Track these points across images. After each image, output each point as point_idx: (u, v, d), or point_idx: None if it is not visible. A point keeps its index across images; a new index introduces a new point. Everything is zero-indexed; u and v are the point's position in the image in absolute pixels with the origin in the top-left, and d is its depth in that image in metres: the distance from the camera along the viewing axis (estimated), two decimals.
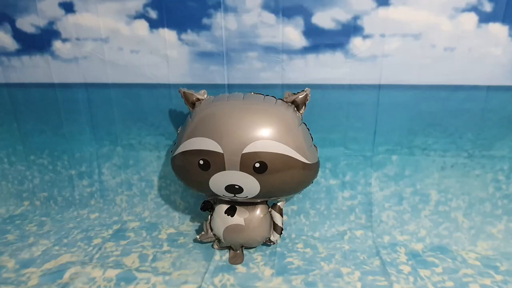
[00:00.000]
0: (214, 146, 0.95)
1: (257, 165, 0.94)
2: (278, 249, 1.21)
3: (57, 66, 1.30)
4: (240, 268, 1.11)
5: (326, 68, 1.15)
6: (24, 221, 1.42)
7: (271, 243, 1.19)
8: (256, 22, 1.13)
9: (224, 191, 1.02)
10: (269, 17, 1.12)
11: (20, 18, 1.26)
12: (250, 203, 1.11)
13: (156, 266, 1.12)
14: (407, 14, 1.07)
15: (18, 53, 1.31)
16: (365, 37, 1.11)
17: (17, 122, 1.44)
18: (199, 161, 0.98)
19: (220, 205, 1.13)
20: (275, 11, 1.11)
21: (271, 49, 1.16)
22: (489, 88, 1.11)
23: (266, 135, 0.93)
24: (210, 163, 0.97)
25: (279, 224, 1.16)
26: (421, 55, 1.11)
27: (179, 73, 1.24)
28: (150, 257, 1.17)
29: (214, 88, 1.18)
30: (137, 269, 1.10)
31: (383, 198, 1.29)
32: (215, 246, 1.20)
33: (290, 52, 1.15)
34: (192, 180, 1.08)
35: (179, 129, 1.08)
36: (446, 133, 1.19)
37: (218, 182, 1.00)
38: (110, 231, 1.33)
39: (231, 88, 1.22)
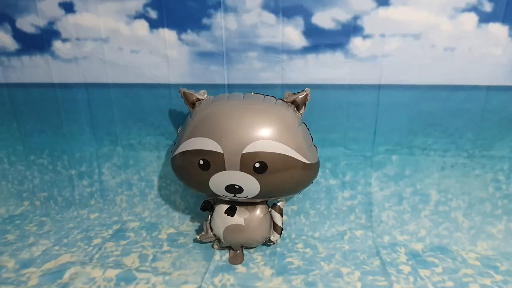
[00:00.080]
0: (214, 146, 0.95)
1: (257, 165, 0.94)
2: (278, 249, 1.21)
3: (57, 66, 1.30)
4: (240, 268, 1.11)
5: (326, 68, 1.15)
6: (24, 221, 1.42)
7: (271, 243, 1.19)
8: (256, 22, 1.13)
9: (224, 191, 1.02)
10: (269, 17, 1.12)
11: (20, 18, 1.26)
12: (250, 203, 1.11)
13: (156, 266, 1.12)
14: (407, 14, 1.07)
15: (18, 53, 1.31)
16: (365, 37, 1.11)
17: (17, 122, 1.44)
18: (199, 161, 0.98)
19: (220, 205, 1.13)
20: (275, 11, 1.11)
21: (271, 49, 1.16)
22: (489, 88, 1.11)
23: (266, 135, 0.93)
24: (210, 163, 0.97)
25: (279, 224, 1.16)
26: (421, 55, 1.11)
27: (179, 73, 1.24)
28: (150, 257, 1.17)
29: (214, 88, 1.18)
30: (137, 269, 1.10)
31: (383, 198, 1.29)
32: (215, 246, 1.20)
33: (290, 52, 1.15)
34: (192, 180, 1.08)
35: (179, 129, 1.08)
36: (446, 133, 1.19)
37: (218, 182, 1.00)
38: (110, 231, 1.33)
39: (231, 88, 1.22)
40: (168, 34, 1.19)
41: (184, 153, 1.01)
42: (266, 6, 1.11)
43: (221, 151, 0.94)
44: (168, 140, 1.35)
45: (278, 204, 1.15)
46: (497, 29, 1.05)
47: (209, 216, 1.17)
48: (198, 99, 1.04)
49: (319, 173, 1.12)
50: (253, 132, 0.94)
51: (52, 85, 1.34)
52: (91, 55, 1.27)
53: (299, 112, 1.02)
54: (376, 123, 1.20)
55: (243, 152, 0.93)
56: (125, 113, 1.34)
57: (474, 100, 1.13)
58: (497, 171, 1.20)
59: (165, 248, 1.22)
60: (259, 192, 1.00)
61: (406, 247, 1.22)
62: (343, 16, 1.09)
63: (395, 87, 1.15)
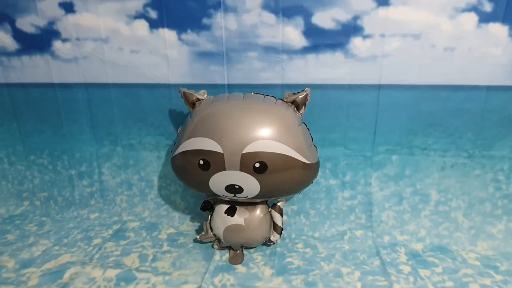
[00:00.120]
0: (214, 146, 0.95)
1: (257, 165, 0.94)
2: (278, 249, 1.21)
3: (57, 66, 1.30)
4: (240, 268, 1.11)
5: (326, 68, 1.15)
6: (24, 221, 1.41)
7: (271, 243, 1.19)
8: (256, 22, 1.13)
9: (224, 191, 1.02)
10: (269, 17, 1.12)
11: (20, 18, 1.26)
12: (250, 203, 1.11)
13: (156, 266, 1.12)
14: (407, 14, 1.07)
15: (18, 53, 1.31)
16: (365, 37, 1.11)
17: (17, 122, 1.44)
18: (199, 161, 0.98)
19: (220, 205, 1.13)
20: (275, 11, 1.11)
21: (271, 49, 1.16)
22: (489, 88, 1.11)
23: (266, 135, 0.93)
24: (210, 163, 0.97)
25: (279, 224, 1.16)
26: (421, 55, 1.11)
27: (179, 73, 1.24)
28: (150, 257, 1.17)
29: (214, 88, 1.18)
30: (137, 269, 1.10)
31: (383, 198, 1.29)
32: (215, 246, 1.20)
33: (290, 52, 1.15)
34: (192, 180, 1.08)
35: (179, 129, 1.08)
36: (446, 133, 1.19)
37: (218, 182, 1.00)
38: (110, 231, 1.33)
39: (231, 88, 1.22)
40: (168, 34, 1.19)
41: (184, 153, 1.01)
42: (266, 6, 1.11)
43: (221, 151, 0.94)
44: (168, 140, 1.35)
45: (278, 204, 1.15)
46: (497, 29, 1.05)
47: (209, 216, 1.17)
48: (198, 99, 1.04)
49: (319, 173, 1.12)
50: (253, 132, 0.93)
51: (52, 85, 1.34)
52: (91, 55, 1.27)
53: (299, 112, 1.02)
54: (376, 123, 1.20)
55: (243, 152, 0.93)
56: (125, 113, 1.34)
57: (474, 100, 1.13)
58: (497, 171, 1.20)
59: (165, 248, 1.22)
60: (259, 192, 1.00)
61: (406, 247, 1.22)
62: (343, 16, 1.09)
63: (395, 87, 1.15)
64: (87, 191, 1.48)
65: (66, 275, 1.06)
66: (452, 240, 1.24)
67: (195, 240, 1.25)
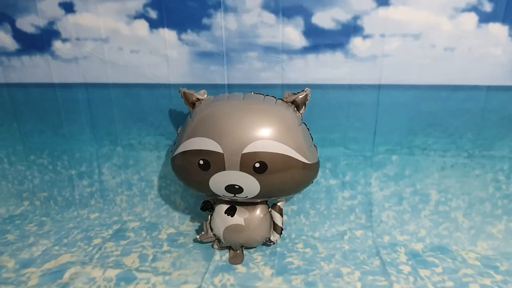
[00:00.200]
0: (214, 146, 0.95)
1: (257, 165, 0.94)
2: (278, 249, 1.21)
3: (57, 66, 1.30)
4: (240, 268, 1.11)
5: (326, 68, 1.15)
6: (24, 221, 1.41)
7: (271, 243, 1.19)
8: (256, 22, 1.13)
9: (224, 191, 1.02)
10: (269, 17, 1.12)
11: (20, 18, 1.26)
12: (250, 203, 1.11)
13: (156, 266, 1.12)
14: (407, 14, 1.07)
15: (18, 53, 1.31)
16: (365, 37, 1.11)
17: (17, 122, 1.44)
18: (199, 161, 0.98)
19: (220, 205, 1.13)
20: (275, 11, 1.11)
21: (271, 49, 1.16)
22: (489, 88, 1.11)
23: (266, 135, 0.93)
24: (210, 163, 0.97)
25: (279, 224, 1.16)
26: (421, 55, 1.10)
27: (179, 73, 1.24)
28: (150, 257, 1.17)
29: (214, 88, 1.18)
30: (137, 269, 1.10)
31: (383, 198, 1.29)
32: (215, 246, 1.20)
33: (290, 52, 1.15)
34: (192, 180, 1.08)
35: (179, 129, 1.08)
36: (446, 133, 1.19)
37: (218, 182, 1.00)
38: (110, 231, 1.33)
39: (231, 88, 1.22)
40: (168, 34, 1.19)
41: (184, 153, 1.01)
42: (266, 6, 1.11)
43: (221, 151, 0.94)
44: (168, 140, 1.35)
45: (278, 204, 1.15)
46: (497, 29, 1.05)
47: (209, 216, 1.17)
48: (198, 99, 1.04)
49: (319, 173, 1.12)
50: (253, 132, 0.93)
51: (52, 85, 1.34)
52: (91, 55, 1.27)
53: (299, 112, 1.02)
54: (376, 123, 1.20)
55: (243, 152, 0.93)
56: (125, 113, 1.34)
57: (474, 100, 1.13)
58: (497, 171, 1.20)
59: (165, 248, 1.22)
60: (259, 192, 1.00)
61: (406, 247, 1.22)
62: (343, 16, 1.09)
63: (395, 87, 1.15)
64: (87, 191, 1.48)
65: (66, 275, 1.06)
66: (452, 240, 1.24)
67: (195, 240, 1.25)
